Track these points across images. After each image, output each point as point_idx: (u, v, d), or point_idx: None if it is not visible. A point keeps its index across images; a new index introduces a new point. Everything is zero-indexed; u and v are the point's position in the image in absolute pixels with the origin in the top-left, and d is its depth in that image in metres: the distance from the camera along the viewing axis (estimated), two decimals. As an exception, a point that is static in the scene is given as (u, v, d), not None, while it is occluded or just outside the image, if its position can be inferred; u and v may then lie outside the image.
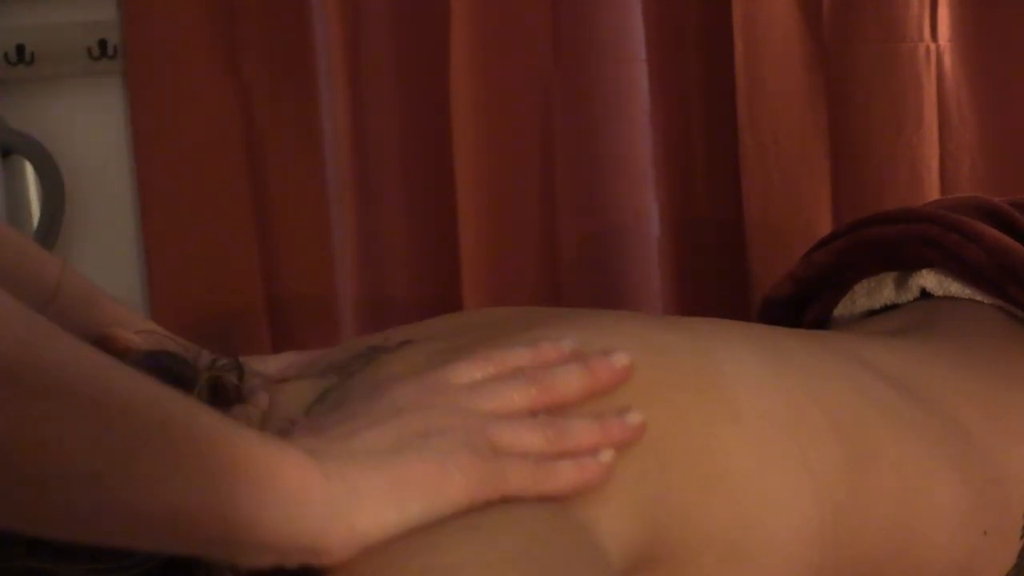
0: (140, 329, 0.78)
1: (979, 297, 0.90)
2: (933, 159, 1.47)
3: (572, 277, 1.51)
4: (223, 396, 0.68)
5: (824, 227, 1.45)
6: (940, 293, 0.92)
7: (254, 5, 1.48)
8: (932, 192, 1.46)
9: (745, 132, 1.47)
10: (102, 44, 1.52)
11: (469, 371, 0.61)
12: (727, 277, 1.52)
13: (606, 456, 0.58)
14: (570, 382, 0.60)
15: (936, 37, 1.46)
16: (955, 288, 0.91)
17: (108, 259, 1.56)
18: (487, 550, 0.52)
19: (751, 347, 0.71)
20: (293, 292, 1.52)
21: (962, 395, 0.75)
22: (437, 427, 0.56)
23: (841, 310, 0.99)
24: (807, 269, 1.01)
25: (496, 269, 1.50)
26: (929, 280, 0.92)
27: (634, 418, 0.60)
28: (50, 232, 1.52)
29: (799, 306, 1.03)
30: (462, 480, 0.54)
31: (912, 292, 0.93)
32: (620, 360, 0.61)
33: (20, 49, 1.51)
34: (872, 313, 0.98)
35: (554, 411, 0.60)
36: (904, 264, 0.94)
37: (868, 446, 0.68)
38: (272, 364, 0.80)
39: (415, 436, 0.55)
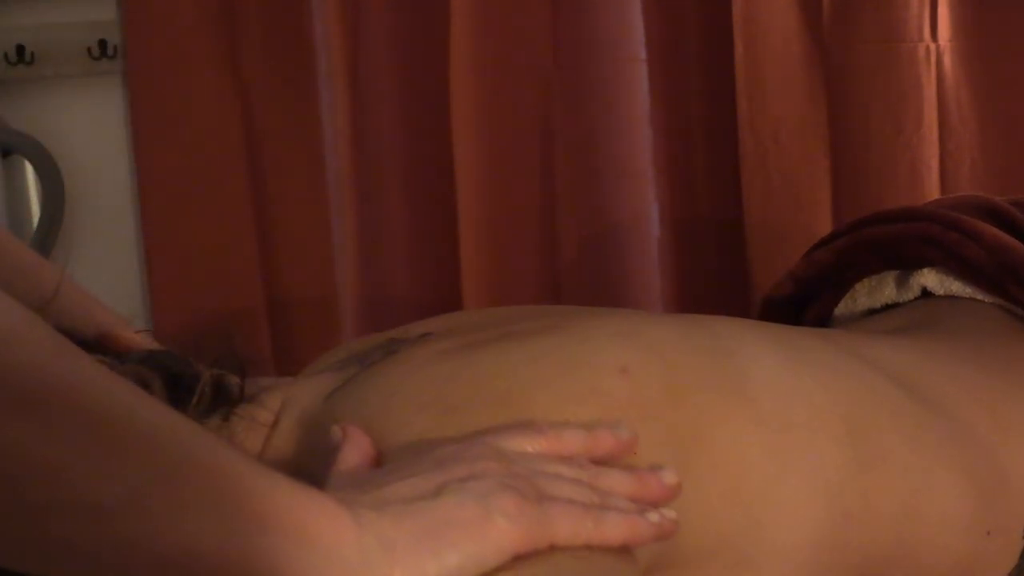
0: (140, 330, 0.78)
1: (980, 296, 0.90)
2: (933, 159, 1.47)
3: (572, 277, 1.51)
4: (227, 395, 0.68)
5: (824, 227, 1.45)
6: (941, 292, 0.91)
7: (254, 5, 1.48)
8: (932, 192, 1.46)
9: (745, 132, 1.47)
10: (102, 44, 1.52)
11: (520, 441, 0.57)
12: (727, 277, 1.52)
13: (653, 517, 0.56)
14: (619, 483, 0.57)
15: (936, 37, 1.46)
16: (956, 287, 0.91)
17: (108, 259, 1.56)
18: (523, 569, 0.51)
19: (770, 348, 0.70)
20: (293, 292, 1.52)
21: (967, 394, 0.75)
22: (480, 472, 0.53)
23: (842, 309, 0.99)
24: (808, 268, 1.01)
25: (496, 269, 1.50)
26: (930, 279, 0.92)
27: (670, 477, 0.58)
28: (50, 232, 1.52)
29: (799, 305, 1.02)
30: (506, 525, 0.51)
31: (913, 291, 0.93)
32: (669, 478, 0.58)
33: (20, 49, 1.51)
34: (873, 312, 0.97)
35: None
36: (905, 263, 0.94)
37: (879, 448, 0.68)
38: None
39: (455, 482, 0.52)
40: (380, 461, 0.59)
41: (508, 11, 1.48)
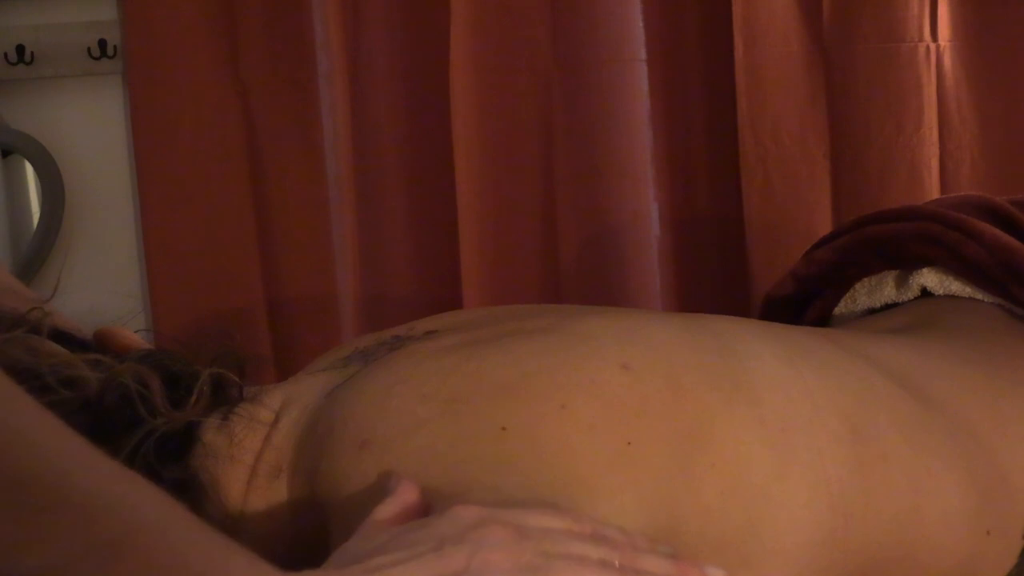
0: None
1: (979, 295, 0.90)
2: (933, 159, 1.47)
3: (572, 277, 1.51)
4: (226, 394, 0.68)
5: (824, 226, 1.46)
6: (941, 292, 0.91)
7: (254, 5, 1.48)
8: (932, 192, 1.46)
9: (745, 132, 1.47)
10: (102, 44, 1.52)
11: (543, 518, 0.52)
12: (727, 277, 1.52)
13: None
14: (656, 566, 0.52)
15: (936, 37, 1.46)
16: (956, 287, 0.91)
17: (108, 259, 1.56)
18: None
19: (772, 347, 0.70)
20: (293, 292, 1.52)
21: (968, 394, 0.75)
22: (479, 566, 0.48)
23: (842, 308, 0.99)
24: (808, 267, 1.00)
25: (496, 269, 1.50)
26: (930, 279, 0.92)
27: (715, 573, 0.53)
28: (50, 232, 1.52)
29: (800, 305, 1.02)
30: None
31: (913, 291, 0.93)
32: (716, 573, 0.54)
33: (20, 49, 1.51)
34: (872, 311, 0.97)
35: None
36: (905, 262, 0.94)
37: (880, 448, 0.68)
38: None
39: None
40: (425, 511, 0.55)
41: (508, 11, 1.48)
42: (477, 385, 0.62)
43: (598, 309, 0.80)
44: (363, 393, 0.64)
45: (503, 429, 0.60)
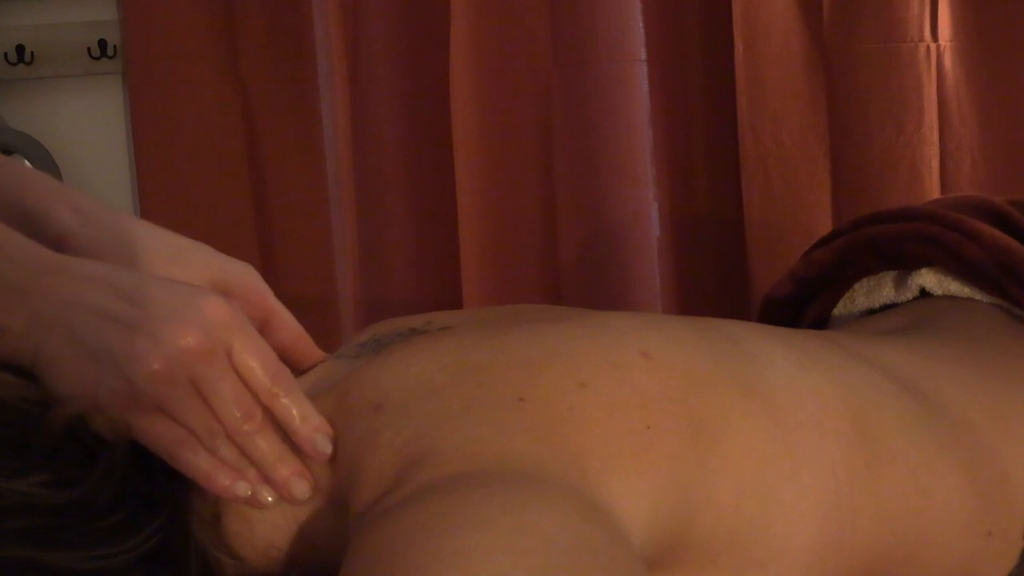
0: None
1: (978, 296, 0.90)
2: (933, 159, 1.47)
3: (572, 277, 1.51)
4: None
5: (824, 227, 1.46)
6: (939, 292, 0.91)
7: (254, 5, 1.48)
8: (932, 192, 1.46)
9: (745, 132, 1.47)
10: (102, 44, 1.52)
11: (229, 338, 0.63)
12: (727, 277, 1.52)
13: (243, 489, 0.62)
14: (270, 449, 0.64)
15: (936, 37, 1.46)
16: (954, 287, 0.91)
17: (108, 259, 1.56)
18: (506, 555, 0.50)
19: (781, 349, 0.71)
20: (293, 292, 1.52)
21: (967, 395, 0.75)
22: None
23: (840, 309, 0.99)
24: (807, 268, 1.00)
25: (496, 269, 1.50)
26: (928, 279, 0.92)
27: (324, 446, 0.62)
28: (50, 232, 1.52)
29: (799, 305, 1.02)
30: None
31: (911, 291, 0.93)
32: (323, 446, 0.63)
33: (20, 49, 1.51)
34: (871, 312, 0.97)
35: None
36: (904, 262, 0.94)
37: (886, 450, 0.68)
38: None
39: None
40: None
41: (508, 11, 1.48)
42: (497, 357, 0.63)
43: (601, 313, 0.81)
44: (383, 364, 0.65)
45: (520, 400, 0.60)
